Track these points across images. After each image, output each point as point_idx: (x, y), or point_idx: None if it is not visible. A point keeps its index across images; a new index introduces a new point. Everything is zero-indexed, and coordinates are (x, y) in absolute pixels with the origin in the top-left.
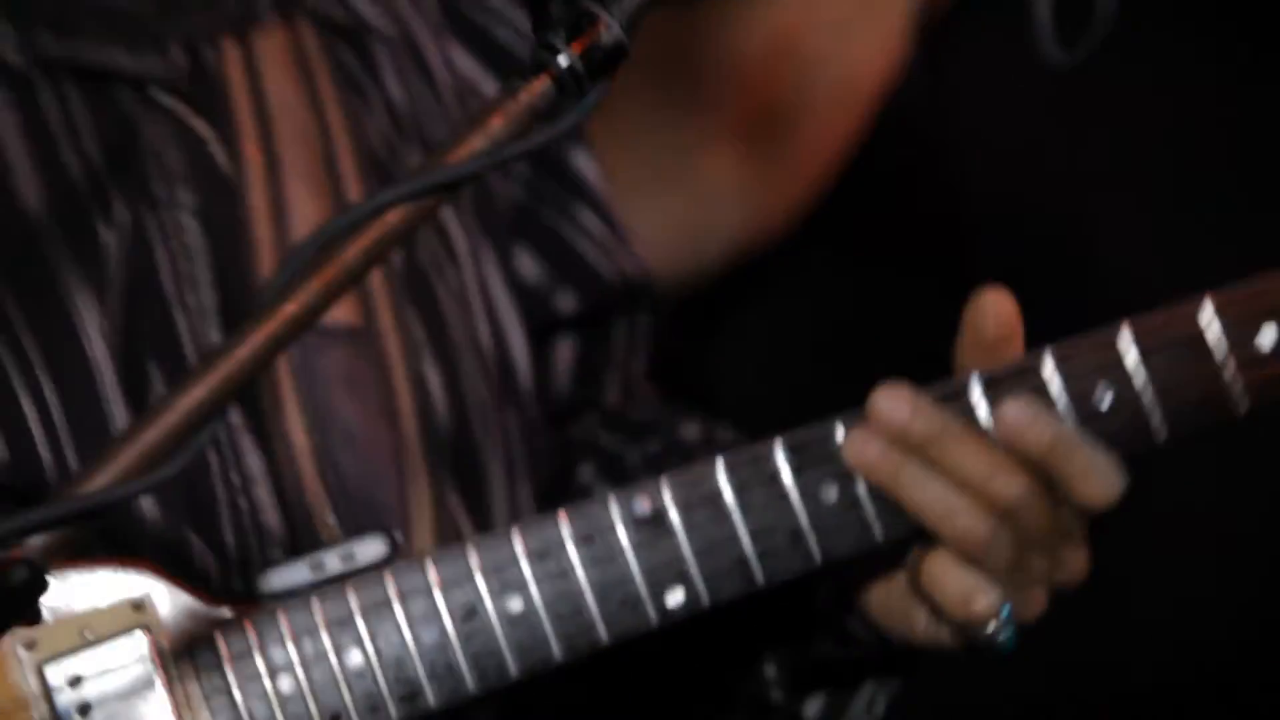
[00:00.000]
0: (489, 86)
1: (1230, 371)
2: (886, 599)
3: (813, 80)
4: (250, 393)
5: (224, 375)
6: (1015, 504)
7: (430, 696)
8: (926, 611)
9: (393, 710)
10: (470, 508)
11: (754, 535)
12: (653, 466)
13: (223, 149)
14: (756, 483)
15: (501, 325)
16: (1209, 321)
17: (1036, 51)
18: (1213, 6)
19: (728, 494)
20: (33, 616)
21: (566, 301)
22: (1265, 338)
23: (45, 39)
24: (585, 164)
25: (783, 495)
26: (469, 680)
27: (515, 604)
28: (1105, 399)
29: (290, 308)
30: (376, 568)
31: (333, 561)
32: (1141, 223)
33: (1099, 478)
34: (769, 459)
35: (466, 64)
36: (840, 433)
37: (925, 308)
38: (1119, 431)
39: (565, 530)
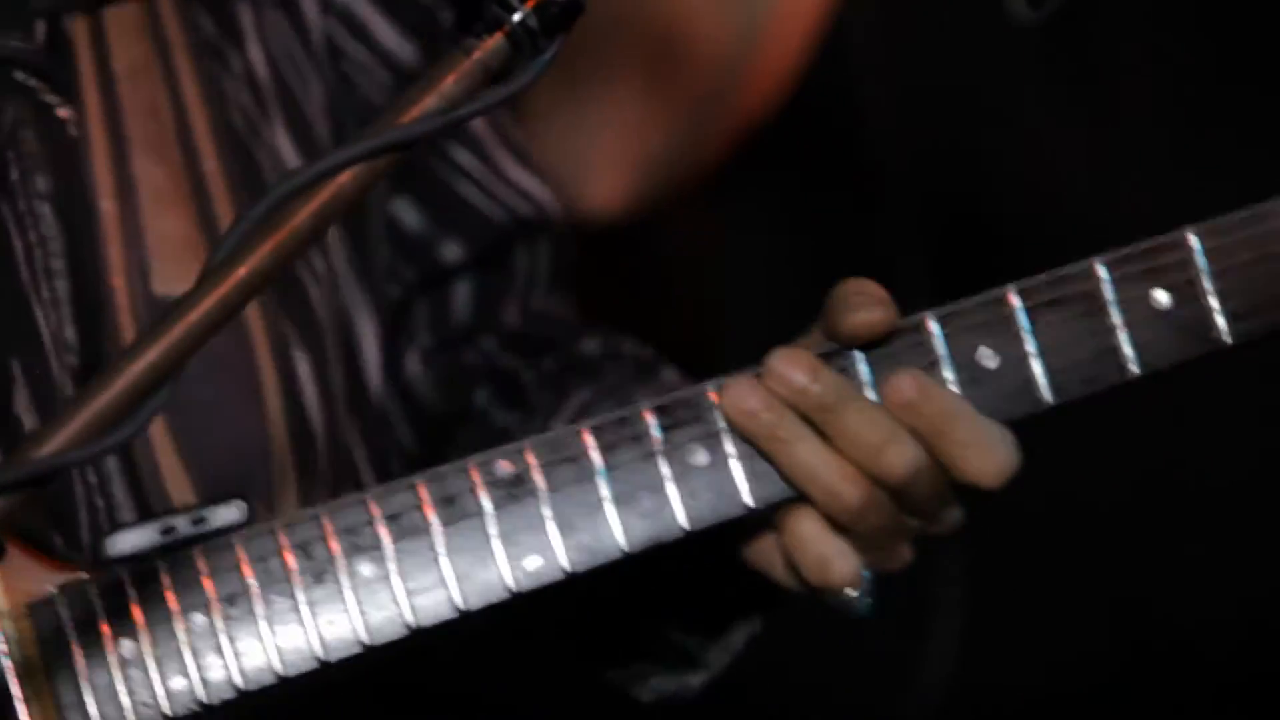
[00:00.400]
0: (375, 22)
1: (1122, 331)
2: (753, 537)
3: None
4: (39, 354)
5: (174, 339)
6: (904, 477)
7: (277, 663)
8: (784, 562)
9: (237, 675)
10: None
11: (618, 499)
12: (549, 384)
13: (75, 127)
14: (623, 445)
15: (350, 315)
16: (1102, 280)
17: (1004, 7)
18: None
19: (594, 456)
20: None
21: (452, 251)
22: (1160, 298)
23: None
24: None
25: (649, 456)
26: (319, 648)
27: (366, 569)
28: (991, 359)
29: (240, 271)
30: (227, 532)
31: (184, 525)
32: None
33: (988, 454)
34: (636, 420)
35: (351, 2)
36: (712, 394)
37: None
38: (1007, 393)
39: (424, 493)
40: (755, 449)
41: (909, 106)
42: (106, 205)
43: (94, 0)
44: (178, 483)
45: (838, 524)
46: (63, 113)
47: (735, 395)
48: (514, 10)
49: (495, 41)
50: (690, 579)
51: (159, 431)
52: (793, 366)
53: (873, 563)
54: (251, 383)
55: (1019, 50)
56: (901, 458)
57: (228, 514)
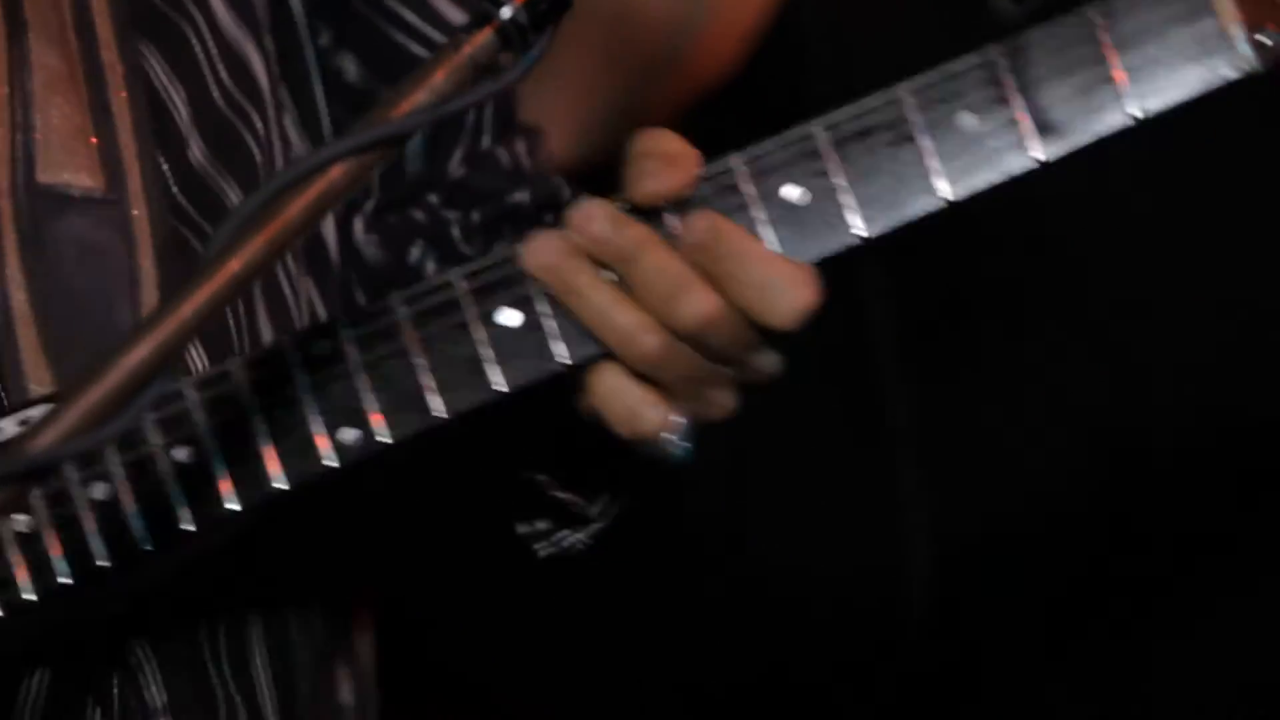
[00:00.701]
0: None
1: (932, 157)
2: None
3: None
4: None
5: (167, 333)
6: (696, 325)
7: (101, 556)
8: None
9: (64, 570)
10: None
11: (433, 368)
12: (479, 233)
13: None
14: (434, 314)
15: None
16: (907, 102)
17: (987, 2)
18: None
19: (406, 328)
20: None
21: None
22: (966, 121)
23: None
24: None
25: (462, 324)
26: (138, 536)
27: (181, 454)
28: (801, 196)
29: (234, 265)
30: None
31: (9, 426)
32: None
33: (780, 295)
34: (448, 288)
35: None
36: (521, 255)
37: None
38: (818, 229)
39: (241, 374)
40: (558, 303)
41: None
42: None
43: None
44: (34, 362)
45: (642, 374)
46: None
47: (534, 249)
48: (503, 6)
49: (484, 37)
50: (554, 436)
51: (21, 305)
52: (591, 218)
53: (691, 411)
54: (130, 276)
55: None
56: (691, 307)
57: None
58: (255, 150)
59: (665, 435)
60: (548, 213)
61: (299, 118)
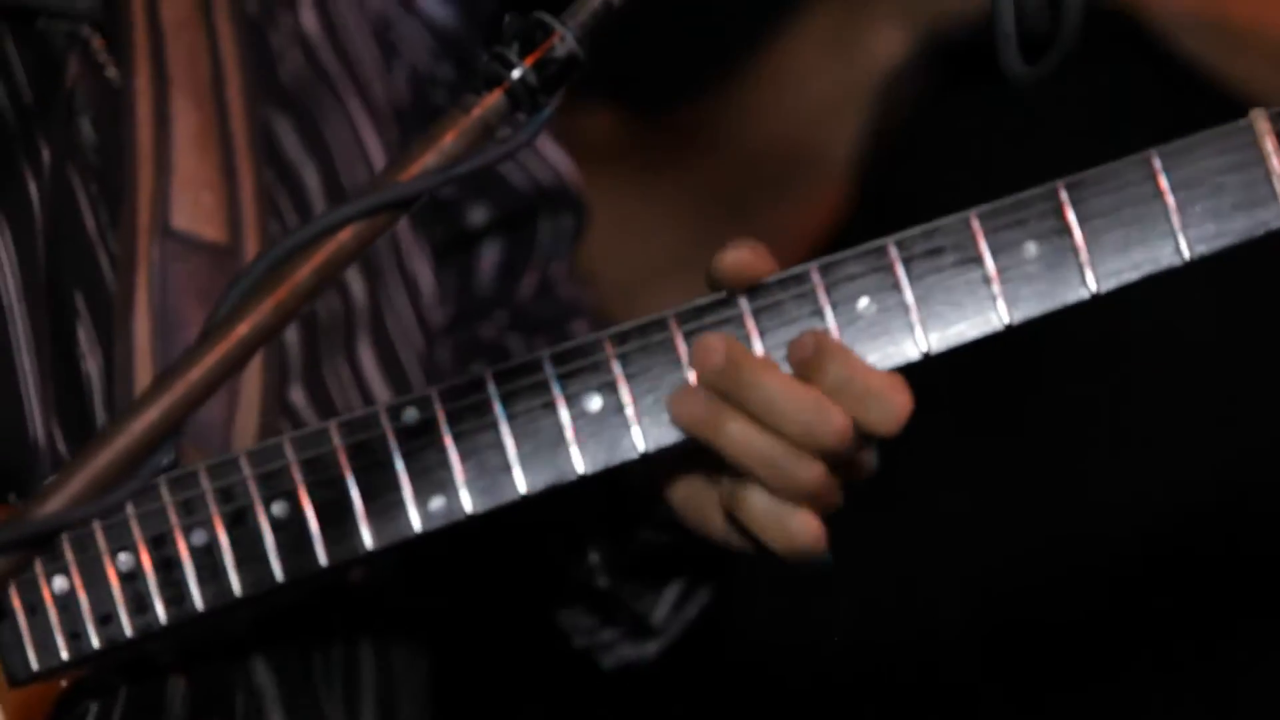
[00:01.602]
0: None
1: (995, 282)
2: (686, 495)
3: (794, 170)
4: (102, 289)
5: (175, 398)
6: (840, 443)
7: (198, 600)
8: (724, 518)
9: (160, 612)
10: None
11: (518, 442)
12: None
13: (118, 70)
14: (524, 392)
15: (407, 256)
16: (976, 231)
17: (1000, 65)
18: None
19: (495, 403)
20: None
21: (478, 214)
22: (1030, 249)
23: None
24: None
25: (548, 404)
26: (235, 585)
27: (280, 509)
28: (870, 306)
29: (242, 329)
30: (156, 474)
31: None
32: None
33: (891, 404)
34: (538, 368)
35: None
36: (608, 344)
37: None
38: (887, 339)
39: (335, 438)
40: (697, 439)
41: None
42: (144, 135)
43: None
44: None
45: (785, 496)
46: (111, 72)
47: (681, 403)
48: (513, 67)
49: (495, 98)
50: (621, 532)
51: (144, 341)
52: (710, 350)
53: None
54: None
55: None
56: (831, 429)
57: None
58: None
59: (821, 545)
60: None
61: None
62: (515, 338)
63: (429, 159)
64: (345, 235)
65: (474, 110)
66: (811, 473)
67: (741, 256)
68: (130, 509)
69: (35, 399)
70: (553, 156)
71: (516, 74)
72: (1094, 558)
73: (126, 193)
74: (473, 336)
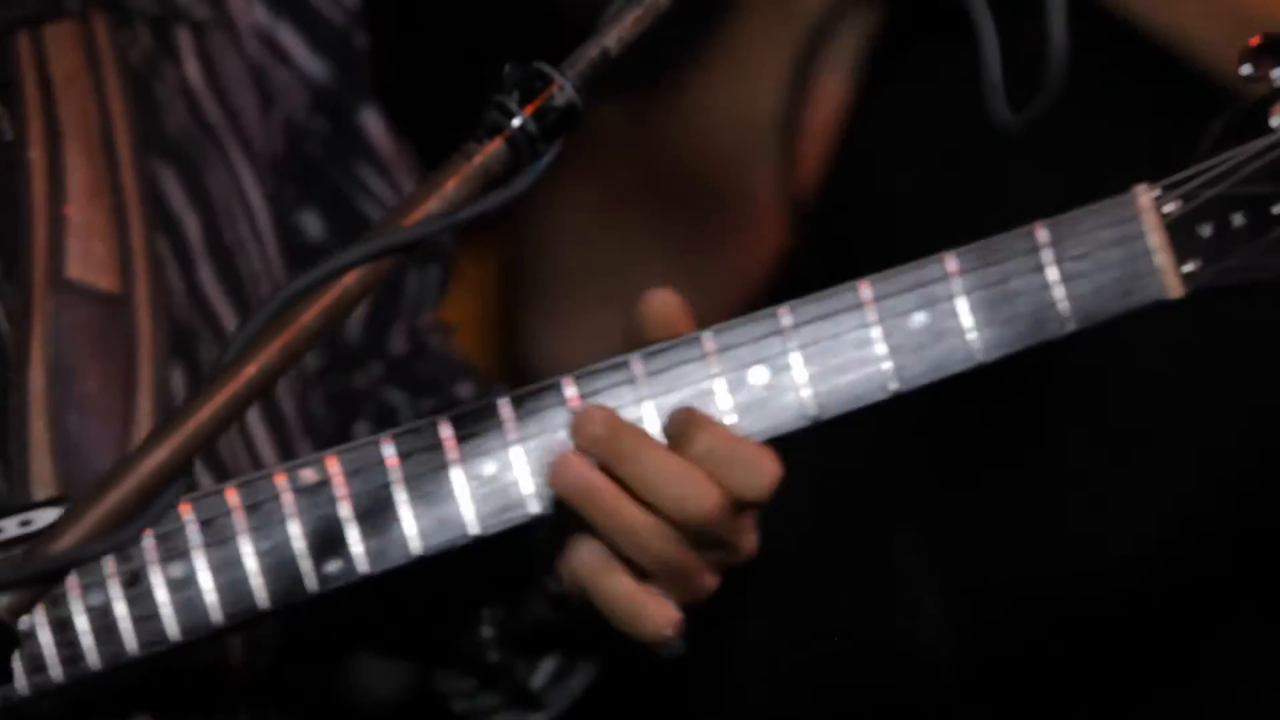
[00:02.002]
0: (294, 46)
1: (886, 351)
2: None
3: (748, 190)
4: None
5: (185, 436)
6: (708, 518)
7: (93, 659)
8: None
9: (56, 672)
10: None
11: (414, 505)
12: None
13: (10, 125)
14: (420, 456)
15: None
16: (867, 301)
17: (987, 111)
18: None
19: (391, 468)
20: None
21: None
22: (918, 318)
23: None
24: (374, 124)
25: (442, 466)
26: (129, 644)
27: (177, 570)
28: (762, 375)
29: (250, 369)
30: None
31: (10, 526)
32: None
33: (757, 475)
34: (432, 431)
35: (268, 22)
36: (506, 411)
37: None
38: (778, 416)
39: (233, 499)
40: (571, 507)
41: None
42: (38, 186)
43: (36, 18)
44: (40, 443)
45: (641, 569)
46: (3, 127)
47: (560, 474)
48: (513, 116)
49: (495, 146)
50: (515, 600)
51: (38, 389)
52: (591, 420)
53: (680, 597)
54: (128, 376)
55: None
56: (700, 504)
57: (48, 516)
58: (253, 285)
59: (669, 634)
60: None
61: (281, 249)
62: (397, 394)
63: (431, 204)
64: (350, 279)
65: (475, 157)
66: (667, 546)
67: (664, 305)
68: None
69: None
70: None
71: (517, 122)
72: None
73: (22, 244)
74: (347, 387)
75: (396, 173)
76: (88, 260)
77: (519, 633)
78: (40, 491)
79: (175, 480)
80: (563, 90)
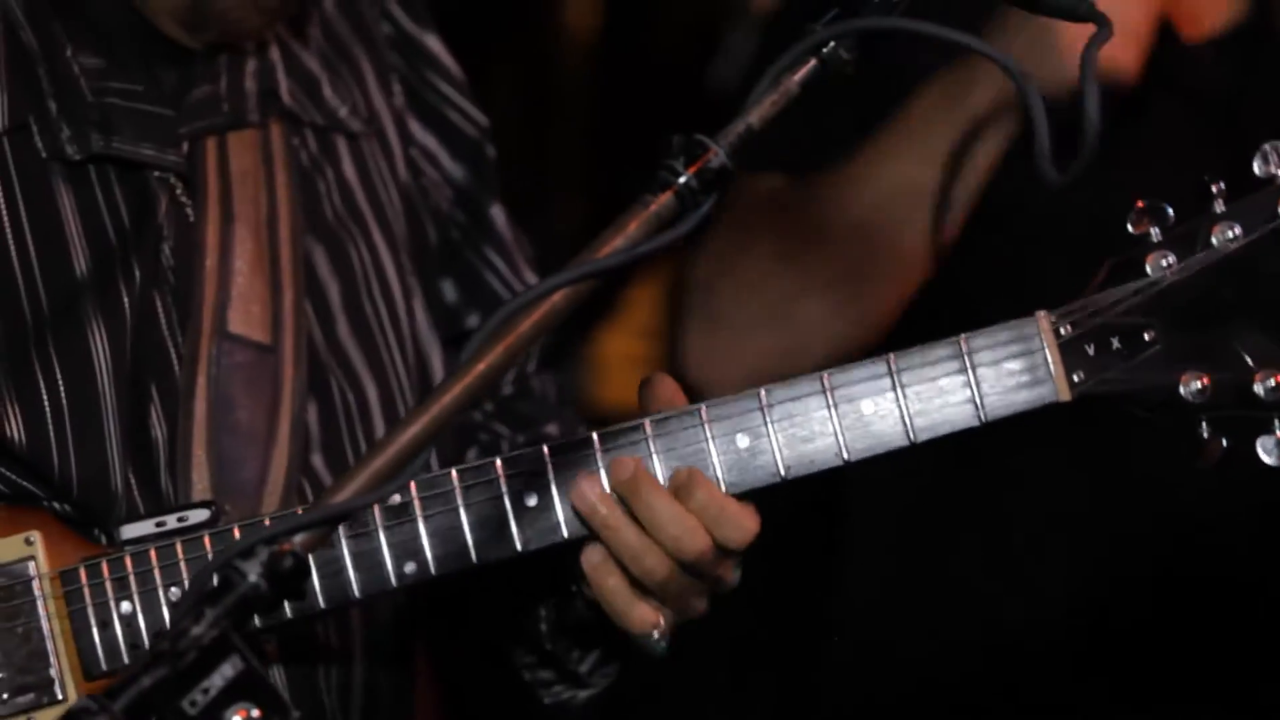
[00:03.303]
0: (441, 154)
1: (838, 429)
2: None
3: (902, 246)
4: (170, 378)
5: (432, 416)
6: (698, 558)
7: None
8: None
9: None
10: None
11: (472, 526)
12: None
13: (193, 210)
14: (480, 488)
15: (423, 346)
16: (826, 388)
17: (1037, 172)
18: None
19: (458, 494)
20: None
21: (474, 319)
22: (865, 407)
23: (96, 139)
24: (498, 216)
25: (497, 496)
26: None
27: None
28: (745, 439)
29: (480, 366)
30: (200, 528)
31: (170, 521)
32: None
33: (737, 529)
34: (490, 470)
35: (423, 136)
36: (546, 450)
37: None
38: (755, 474)
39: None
40: (592, 531)
41: None
42: (210, 260)
43: (226, 128)
44: (199, 459)
45: (645, 588)
46: (189, 211)
47: (581, 493)
48: (679, 175)
49: (666, 198)
50: (562, 600)
51: (201, 415)
52: (623, 468)
53: (676, 614)
54: (273, 411)
55: None
56: (695, 546)
57: (201, 514)
58: (382, 337)
59: (652, 634)
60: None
61: (425, 301)
62: (502, 428)
63: (618, 241)
64: (557, 297)
65: (651, 206)
66: (659, 567)
67: (662, 390)
68: (179, 552)
69: (117, 459)
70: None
71: (682, 180)
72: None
73: (194, 303)
74: (467, 419)
75: (515, 255)
76: (247, 318)
77: (566, 627)
78: (197, 496)
79: (424, 449)
80: (717, 156)
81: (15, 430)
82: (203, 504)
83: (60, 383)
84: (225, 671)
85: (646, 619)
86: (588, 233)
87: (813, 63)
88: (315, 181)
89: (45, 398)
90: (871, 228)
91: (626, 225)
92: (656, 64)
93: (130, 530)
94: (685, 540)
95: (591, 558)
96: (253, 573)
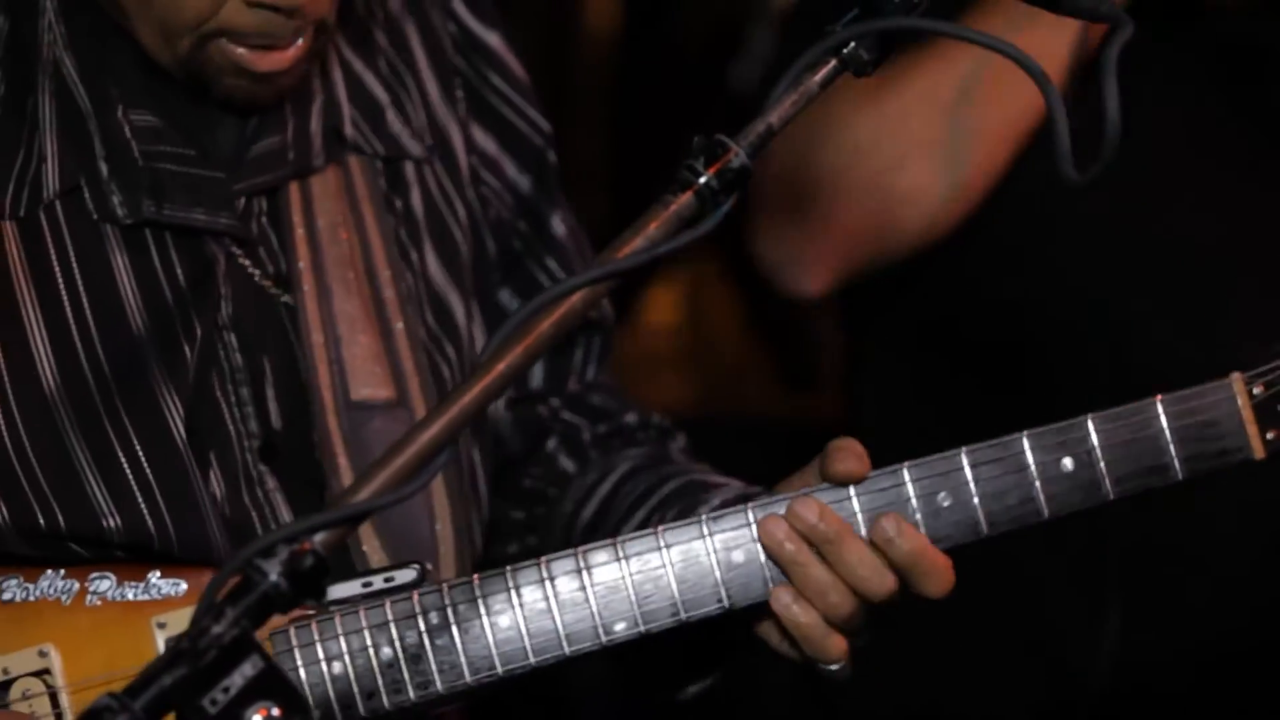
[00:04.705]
0: (503, 160)
1: (1038, 484)
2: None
3: (1003, 104)
4: (316, 466)
5: (452, 416)
6: (885, 599)
7: (439, 685)
8: (779, 634)
9: (411, 693)
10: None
11: (679, 585)
12: (601, 445)
13: (290, 295)
14: (685, 547)
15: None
16: (1026, 448)
17: (1057, 169)
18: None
19: (664, 552)
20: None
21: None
22: (1066, 463)
23: (147, 204)
24: (559, 226)
25: (704, 556)
26: (467, 674)
27: (504, 620)
28: (946, 499)
29: (500, 365)
30: (408, 588)
31: (377, 581)
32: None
33: (939, 580)
34: (697, 529)
35: (485, 142)
36: (753, 516)
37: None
38: (957, 524)
39: (544, 570)
40: (779, 567)
41: None
42: (316, 338)
43: (287, 178)
44: (366, 534)
45: (830, 622)
46: (252, 269)
47: (769, 529)
48: (700, 175)
49: (686, 198)
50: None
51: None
52: (807, 508)
53: (851, 641)
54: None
55: None
56: (882, 589)
57: (408, 574)
58: (445, 368)
59: (841, 663)
60: (644, 431)
61: (484, 322)
62: (577, 418)
63: (637, 242)
64: (576, 298)
65: (671, 206)
66: (853, 605)
67: (850, 469)
68: (389, 614)
69: (216, 527)
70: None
71: (702, 180)
72: None
73: (311, 385)
74: (533, 414)
75: (575, 262)
76: (369, 380)
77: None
78: (372, 558)
79: (443, 451)
80: (738, 156)
81: (111, 519)
82: (407, 564)
83: (138, 448)
84: (245, 670)
85: (842, 650)
86: (608, 232)
87: (833, 63)
88: (390, 217)
89: (126, 466)
90: (975, 93)
91: (646, 225)
92: (677, 64)
93: (337, 591)
94: (873, 581)
95: (782, 598)
96: (273, 572)
